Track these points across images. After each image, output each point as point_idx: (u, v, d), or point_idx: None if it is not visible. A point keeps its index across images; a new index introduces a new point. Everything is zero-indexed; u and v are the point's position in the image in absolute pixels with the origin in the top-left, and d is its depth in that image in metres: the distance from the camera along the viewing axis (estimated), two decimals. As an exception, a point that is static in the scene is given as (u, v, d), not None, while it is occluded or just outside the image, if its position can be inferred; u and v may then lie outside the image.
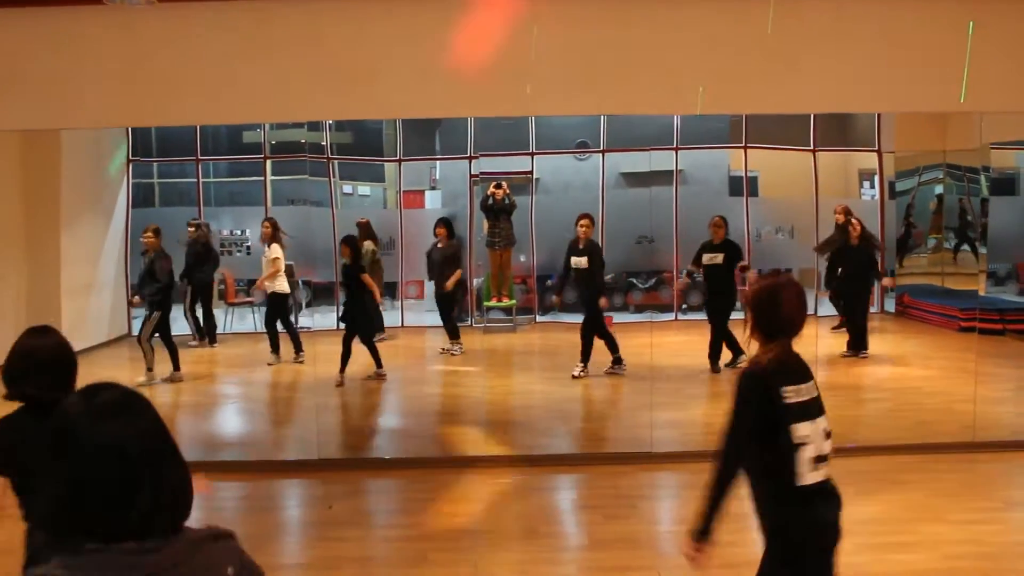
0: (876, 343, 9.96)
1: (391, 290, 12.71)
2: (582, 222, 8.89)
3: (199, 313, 10.62)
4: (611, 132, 12.99)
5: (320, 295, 13.07)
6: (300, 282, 12.19)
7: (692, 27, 6.31)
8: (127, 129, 11.58)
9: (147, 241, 8.90)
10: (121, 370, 9.15)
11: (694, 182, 13.22)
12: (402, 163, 13.50)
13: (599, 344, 8.97)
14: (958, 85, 6.31)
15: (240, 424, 8.46)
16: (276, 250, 9.82)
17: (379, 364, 9.07)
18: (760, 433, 2.91)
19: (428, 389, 9.42)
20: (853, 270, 9.76)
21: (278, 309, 9.96)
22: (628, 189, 13.15)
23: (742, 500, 3.02)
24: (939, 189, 12.33)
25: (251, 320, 11.77)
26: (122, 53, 6.29)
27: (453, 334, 10.29)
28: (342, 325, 9.14)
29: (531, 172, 13.07)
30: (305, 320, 12.19)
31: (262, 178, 13.17)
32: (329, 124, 12.89)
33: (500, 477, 6.26)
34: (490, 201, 11.57)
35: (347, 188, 14.64)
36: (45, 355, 2.84)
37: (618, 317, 12.48)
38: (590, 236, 8.90)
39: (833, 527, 2.98)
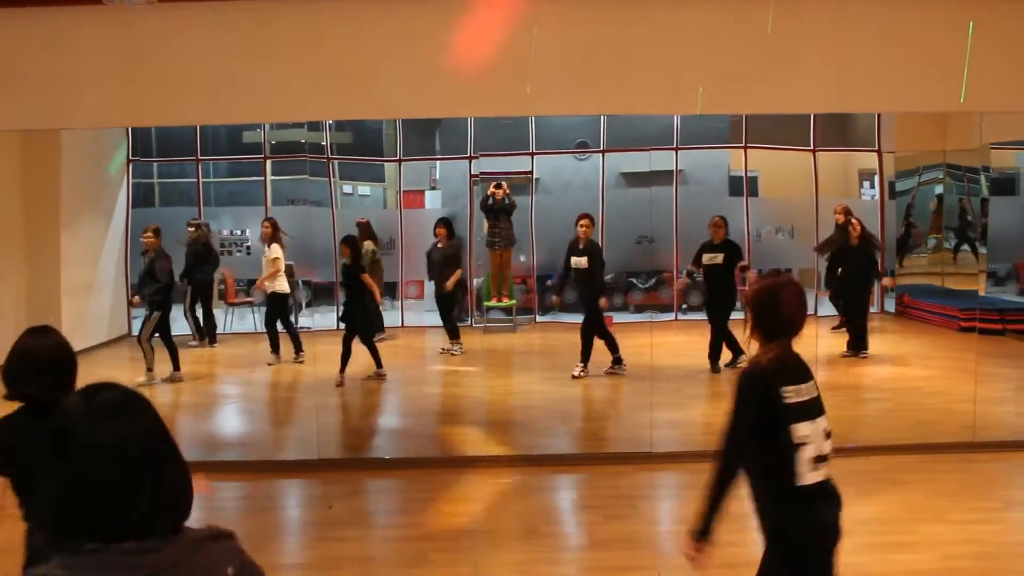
0: (876, 343, 9.96)
1: (391, 290, 12.71)
2: (582, 222, 8.88)
3: (199, 313, 10.62)
4: (611, 132, 12.99)
5: (320, 295, 13.08)
6: (300, 282, 12.19)
7: (692, 27, 6.31)
8: (127, 129, 11.58)
9: (147, 241, 8.90)
10: (121, 370, 9.15)
11: (694, 182, 13.23)
12: (402, 163, 13.50)
13: (599, 344, 8.97)
14: (958, 85, 6.31)
15: (240, 424, 8.46)
16: (276, 250, 9.82)
17: (379, 364, 9.07)
18: (760, 433, 2.91)
19: (428, 389, 9.42)
20: (853, 270, 9.77)
21: (278, 309, 9.96)
22: (628, 189, 13.15)
23: (742, 500, 3.02)
24: (939, 189, 12.33)
25: (251, 320, 11.77)
26: (122, 53, 6.29)
27: (453, 334, 10.29)
28: (342, 325, 9.15)
29: (531, 172, 13.07)
30: (305, 320, 12.19)
31: (262, 178, 13.17)
32: (329, 124, 12.89)
33: (500, 477, 6.26)
34: (490, 201, 11.57)
35: (347, 188, 14.64)
36: (45, 355, 2.84)
37: (618, 317, 12.47)
38: (590, 236, 8.90)
39: (833, 527, 2.98)
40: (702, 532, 2.91)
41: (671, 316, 12.65)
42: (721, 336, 8.92)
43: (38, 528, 1.49)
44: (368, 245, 11.05)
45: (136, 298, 8.83)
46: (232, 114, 6.87)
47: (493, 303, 11.87)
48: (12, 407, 2.88)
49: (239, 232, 12.54)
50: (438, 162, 14.09)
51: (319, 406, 7.90)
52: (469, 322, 12.11)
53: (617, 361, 8.89)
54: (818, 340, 8.92)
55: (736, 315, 8.41)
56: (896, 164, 12.62)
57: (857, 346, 9.74)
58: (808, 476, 2.88)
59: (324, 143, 13.09)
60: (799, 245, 12.32)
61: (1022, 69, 6.25)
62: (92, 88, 6.31)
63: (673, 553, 5.03)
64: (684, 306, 12.67)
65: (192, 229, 10.48)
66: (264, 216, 10.63)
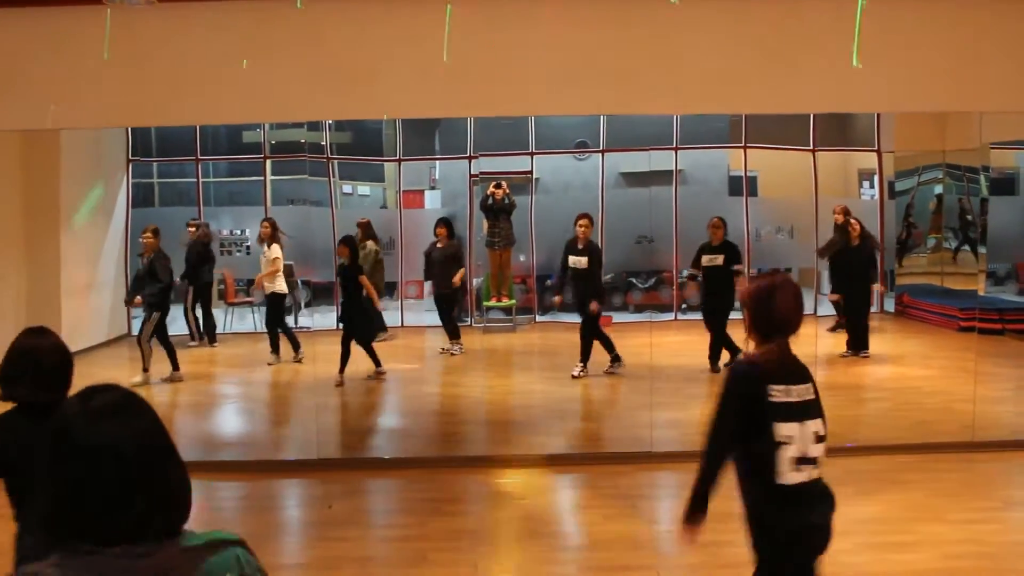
0: (876, 343, 9.96)
1: (390, 290, 12.71)
2: (581, 222, 8.86)
3: (199, 313, 10.63)
4: (611, 132, 12.99)
5: (320, 295, 13.08)
6: (299, 282, 12.19)
7: (692, 27, 6.31)
8: (127, 129, 11.59)
9: (146, 242, 8.90)
10: (121, 370, 9.15)
11: (694, 182, 13.23)
12: (402, 163, 13.50)
13: (599, 344, 8.98)
14: (958, 85, 6.32)
15: (240, 424, 8.46)
16: (276, 250, 9.83)
17: (378, 363, 9.07)
18: (744, 429, 2.92)
19: (428, 389, 9.42)
20: (854, 270, 9.77)
21: (277, 308, 9.97)
22: (628, 189, 13.16)
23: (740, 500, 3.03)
24: (939, 189, 12.34)
25: (251, 320, 11.78)
26: (122, 53, 6.28)
27: (454, 334, 10.29)
28: (340, 325, 9.14)
29: (531, 172, 13.07)
30: (305, 320, 12.20)
31: (262, 178, 13.18)
32: (329, 124, 12.89)
33: (500, 477, 6.27)
34: (490, 201, 11.56)
35: (347, 188, 14.65)
36: (41, 356, 2.84)
37: (618, 317, 12.48)
38: (589, 236, 8.88)
39: (819, 530, 2.95)
40: (690, 514, 2.97)
41: (671, 316, 12.65)
42: (721, 337, 8.91)
43: (36, 528, 1.48)
44: (371, 245, 11.06)
45: (138, 298, 8.82)
46: (232, 114, 6.87)
47: (493, 303, 11.87)
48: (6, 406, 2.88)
49: (239, 232, 12.54)
50: (438, 162, 14.10)
51: (319, 406, 7.91)
52: (469, 322, 12.12)
53: (615, 359, 8.88)
54: (818, 340, 8.93)
55: (735, 315, 8.40)
56: (896, 164, 12.63)
57: (857, 346, 9.74)
58: (788, 476, 2.87)
59: (324, 143, 13.09)
60: (799, 245, 12.32)
61: (1022, 69, 6.25)
62: (92, 88, 6.31)
63: (673, 553, 5.04)
64: (684, 306, 12.67)
65: (193, 229, 10.49)
66: (263, 216, 10.64)
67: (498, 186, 11.55)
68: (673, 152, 12.82)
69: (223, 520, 5.75)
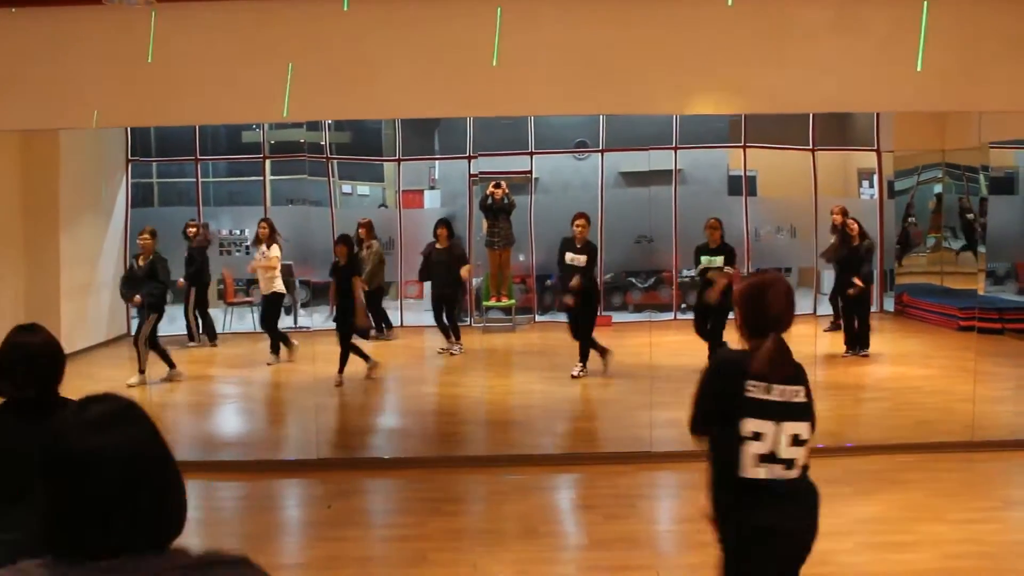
0: (876, 342, 9.96)
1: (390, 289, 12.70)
2: (578, 222, 8.83)
3: (197, 313, 10.64)
4: (610, 132, 12.99)
5: (319, 295, 13.07)
6: (298, 282, 12.19)
7: (692, 27, 6.31)
8: (126, 129, 11.58)
9: (144, 243, 8.89)
10: (120, 370, 9.15)
11: (693, 182, 13.23)
12: (401, 163, 13.50)
13: (608, 350, 8.95)
14: (958, 85, 6.33)
15: (239, 424, 8.46)
16: (275, 250, 9.85)
17: (367, 359, 9.02)
18: (718, 417, 2.94)
19: (427, 389, 9.43)
20: (854, 269, 9.76)
21: (276, 308, 9.98)
22: (627, 189, 13.15)
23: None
24: (938, 188, 12.34)
25: (250, 320, 11.78)
26: (122, 53, 6.29)
27: (454, 333, 10.28)
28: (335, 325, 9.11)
29: (530, 172, 13.07)
30: (304, 320, 12.20)
31: (261, 178, 13.17)
32: (328, 124, 12.89)
33: (500, 477, 6.27)
34: (489, 201, 11.56)
35: (346, 188, 14.64)
36: (31, 352, 2.83)
37: (617, 317, 12.49)
38: (586, 236, 8.86)
39: (784, 533, 2.90)
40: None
41: (670, 316, 12.65)
42: (720, 337, 8.87)
43: (35, 539, 1.45)
44: (375, 245, 11.06)
45: (136, 297, 8.81)
46: (232, 114, 6.86)
47: (492, 303, 11.86)
48: None
49: (238, 232, 12.54)
50: (437, 162, 14.09)
51: (318, 406, 7.90)
52: (468, 322, 12.12)
53: (591, 361, 8.89)
54: (817, 340, 8.94)
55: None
56: (895, 163, 12.63)
57: (854, 344, 9.75)
58: (749, 470, 2.86)
59: (323, 143, 13.09)
60: (799, 245, 12.32)
61: (1022, 69, 6.25)
62: (92, 88, 6.31)
63: (672, 552, 5.04)
64: (683, 305, 12.67)
65: (194, 230, 10.50)
66: (261, 216, 10.63)
67: (497, 186, 11.54)
68: (673, 152, 12.82)
69: (223, 520, 5.76)
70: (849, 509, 5.34)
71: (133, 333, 9.21)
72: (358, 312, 8.69)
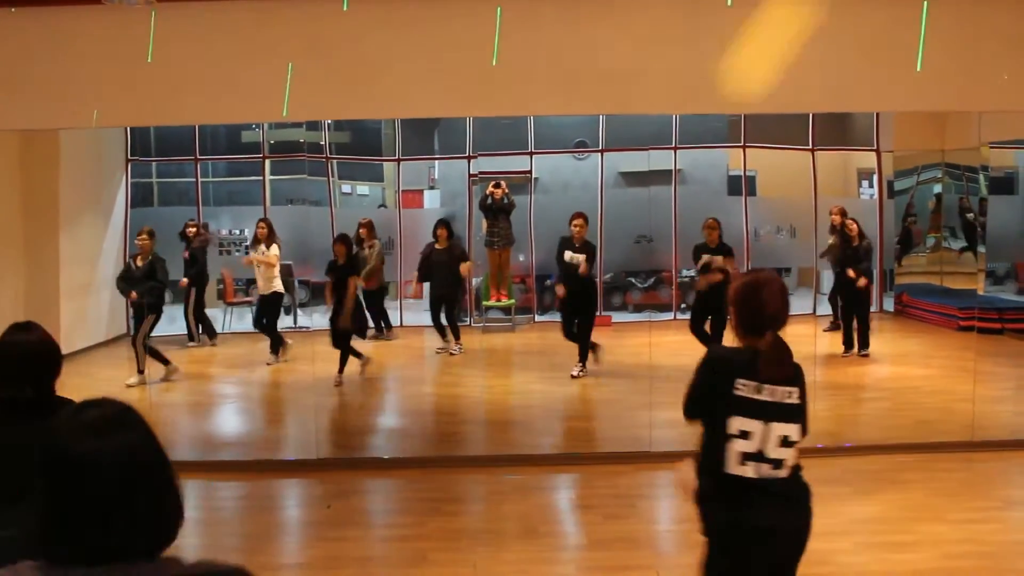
0: (875, 342, 9.96)
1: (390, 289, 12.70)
2: (576, 222, 8.82)
3: (194, 313, 10.65)
4: (610, 131, 12.99)
5: (318, 295, 13.07)
6: (297, 282, 12.19)
7: (691, 27, 6.31)
8: (125, 129, 11.58)
9: (143, 244, 8.88)
10: (120, 370, 9.16)
11: (693, 181, 13.23)
12: (401, 163, 13.50)
13: (598, 344, 8.97)
14: (958, 85, 6.33)
15: (239, 424, 8.46)
16: (275, 249, 9.86)
17: (358, 355, 9.02)
18: (707, 411, 2.95)
19: (427, 389, 9.43)
20: (854, 269, 9.76)
21: (275, 308, 9.98)
22: (627, 188, 13.15)
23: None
24: (938, 188, 12.35)
25: (250, 320, 11.76)
26: (122, 53, 6.28)
27: (454, 333, 10.28)
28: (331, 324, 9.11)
29: (530, 171, 13.07)
30: (304, 320, 12.19)
31: (261, 178, 13.17)
32: (328, 124, 12.89)
33: (500, 477, 6.27)
34: (489, 200, 11.56)
35: (346, 188, 14.64)
36: (23, 351, 2.83)
37: (617, 317, 12.50)
38: (584, 236, 8.86)
39: (765, 533, 2.87)
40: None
41: (670, 315, 12.65)
42: (721, 338, 8.86)
43: (32, 543, 1.44)
44: (377, 244, 11.07)
45: (133, 293, 8.81)
46: (232, 114, 6.86)
47: (492, 303, 11.87)
48: None
49: (237, 232, 12.54)
50: (437, 161, 14.09)
51: (318, 406, 7.90)
52: (468, 322, 12.12)
53: (583, 363, 8.90)
54: (816, 340, 8.94)
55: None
56: (895, 163, 12.63)
57: (851, 345, 9.75)
58: (733, 467, 2.86)
59: (323, 143, 13.09)
60: (799, 245, 12.32)
61: (1021, 69, 6.25)
62: (92, 88, 6.31)
63: (672, 552, 5.04)
64: (683, 305, 12.67)
65: (193, 230, 10.50)
66: (260, 216, 10.63)
67: (497, 186, 11.55)
68: (672, 152, 12.82)
69: (223, 520, 5.76)
70: (849, 509, 5.35)
71: (132, 333, 9.20)
72: (345, 312, 8.70)
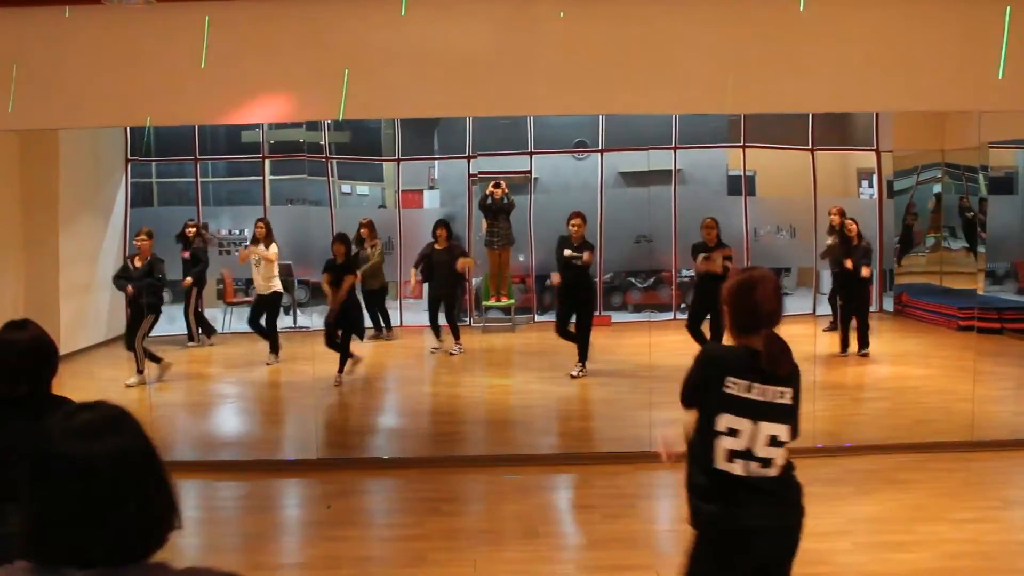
0: (875, 342, 9.96)
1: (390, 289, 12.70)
2: (573, 222, 8.83)
3: (194, 313, 10.65)
4: (609, 131, 12.99)
5: (318, 295, 13.07)
6: (296, 282, 12.19)
7: (691, 27, 6.32)
8: (125, 129, 11.58)
9: (142, 244, 8.88)
10: (119, 370, 9.16)
11: (692, 181, 13.23)
12: (400, 163, 13.50)
13: (598, 343, 8.96)
14: (958, 84, 6.33)
15: (239, 424, 8.46)
16: (274, 248, 9.87)
17: (350, 355, 9.04)
18: (699, 403, 2.96)
19: (426, 389, 9.43)
20: (854, 269, 9.76)
21: (275, 308, 9.98)
22: (627, 188, 13.15)
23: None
24: (937, 188, 12.34)
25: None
26: (122, 53, 6.28)
27: (454, 333, 10.28)
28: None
29: (530, 171, 13.07)
30: (303, 320, 12.19)
31: (260, 178, 13.17)
32: (327, 123, 12.89)
33: (499, 477, 6.27)
34: (488, 200, 11.56)
35: (345, 188, 14.63)
36: (21, 348, 2.83)
37: (617, 317, 12.50)
38: (583, 235, 8.86)
39: (752, 531, 2.87)
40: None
41: (669, 315, 12.65)
42: (721, 338, 8.87)
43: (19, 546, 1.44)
44: (379, 244, 11.07)
45: (130, 288, 8.80)
46: (232, 114, 6.86)
47: (492, 302, 11.87)
48: None
49: (237, 232, 12.54)
50: (436, 161, 14.09)
51: (318, 406, 7.91)
52: (468, 322, 12.12)
53: (583, 363, 8.89)
54: (816, 340, 8.94)
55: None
56: (895, 163, 12.63)
57: (848, 345, 9.75)
58: (723, 464, 2.86)
59: (322, 142, 13.08)
60: (799, 245, 12.32)
61: (1022, 68, 6.25)
62: (91, 88, 6.31)
63: (671, 552, 5.03)
64: (682, 305, 12.67)
65: (192, 230, 10.50)
66: (259, 216, 10.63)
67: (497, 185, 11.54)
68: (672, 151, 12.82)
69: (223, 520, 5.76)
70: (848, 509, 5.35)
71: (127, 335, 9.16)
72: (335, 304, 8.74)
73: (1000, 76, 6.22)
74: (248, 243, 10.39)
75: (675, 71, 6.36)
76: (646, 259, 12.87)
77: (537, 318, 12.63)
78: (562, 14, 6.20)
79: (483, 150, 12.85)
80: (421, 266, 10.42)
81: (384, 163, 14.21)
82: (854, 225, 9.78)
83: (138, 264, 8.83)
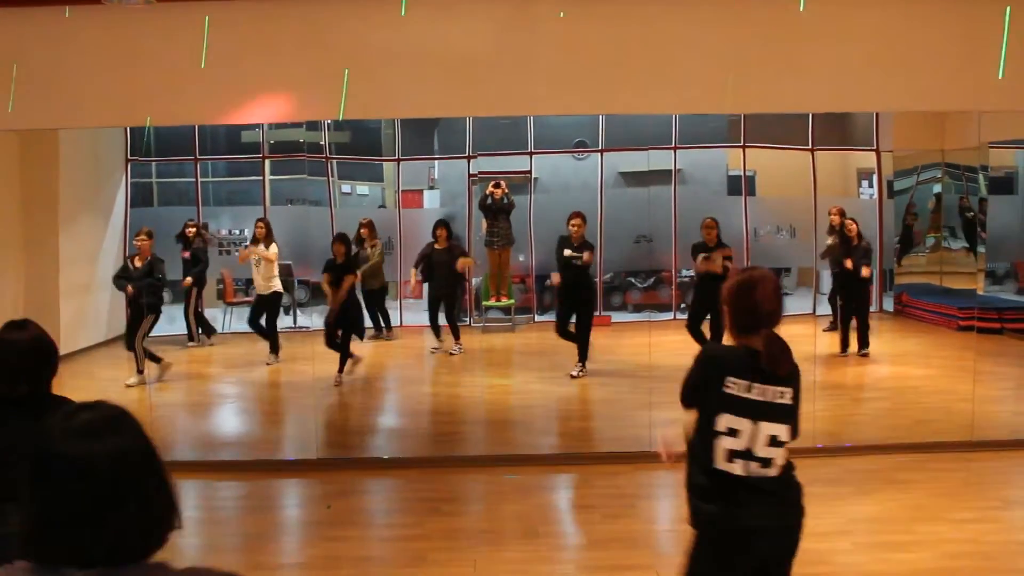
0: (875, 342, 9.96)
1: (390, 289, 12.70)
2: (573, 222, 8.83)
3: (193, 313, 10.65)
4: (609, 131, 12.99)
5: (318, 295, 13.07)
6: (297, 282, 12.19)
7: (691, 27, 6.32)
8: (125, 129, 11.58)
9: (142, 245, 8.88)
10: (119, 370, 9.16)
11: (692, 181, 13.23)
12: (400, 163, 13.50)
13: (598, 343, 8.95)
14: (957, 84, 6.33)
15: (239, 423, 8.46)
16: (274, 247, 9.87)
17: (350, 355, 9.06)
18: (700, 403, 2.96)
19: (426, 389, 9.43)
20: (854, 269, 9.76)
21: (275, 308, 9.98)
22: (627, 188, 13.15)
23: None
24: (937, 188, 12.34)
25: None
26: (122, 53, 6.28)
27: (454, 333, 10.28)
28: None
29: (529, 171, 13.07)
30: (303, 320, 12.19)
31: (260, 178, 13.17)
32: (327, 123, 12.89)
33: (499, 477, 6.27)
34: (488, 200, 11.56)
35: (345, 188, 14.63)
36: (21, 348, 2.83)
37: (616, 316, 12.50)
38: (582, 235, 8.86)
39: (751, 531, 2.87)
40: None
41: (669, 315, 12.65)
42: (720, 336, 8.87)
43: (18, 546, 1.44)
44: (379, 244, 11.07)
45: (130, 287, 8.81)
46: (232, 114, 6.86)
47: (492, 303, 11.87)
48: None
49: (237, 232, 12.54)
50: (436, 161, 14.09)
51: (318, 406, 7.91)
52: (468, 322, 12.12)
53: (583, 363, 8.89)
54: (816, 340, 8.93)
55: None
56: (895, 163, 12.63)
57: (848, 345, 9.75)
58: (723, 464, 2.86)
59: (322, 142, 13.09)
60: (799, 245, 12.32)
61: (1022, 68, 6.26)
62: (90, 88, 6.31)
63: (671, 552, 5.03)
64: (683, 305, 12.67)
65: (192, 230, 10.51)
66: (259, 216, 10.63)
67: (497, 185, 11.54)
68: (672, 151, 12.82)
69: (223, 520, 5.76)
70: (848, 509, 5.35)
71: (126, 335, 9.17)
72: (335, 304, 8.75)
73: (1000, 76, 6.22)
74: (248, 243, 10.39)
75: (675, 71, 6.36)
76: (646, 259, 12.87)
77: (537, 318, 12.63)
78: (562, 14, 6.20)
79: (483, 150, 12.85)
80: (421, 266, 10.41)
81: (384, 163, 14.21)
82: (854, 225, 9.79)
83: (138, 264, 8.83)
